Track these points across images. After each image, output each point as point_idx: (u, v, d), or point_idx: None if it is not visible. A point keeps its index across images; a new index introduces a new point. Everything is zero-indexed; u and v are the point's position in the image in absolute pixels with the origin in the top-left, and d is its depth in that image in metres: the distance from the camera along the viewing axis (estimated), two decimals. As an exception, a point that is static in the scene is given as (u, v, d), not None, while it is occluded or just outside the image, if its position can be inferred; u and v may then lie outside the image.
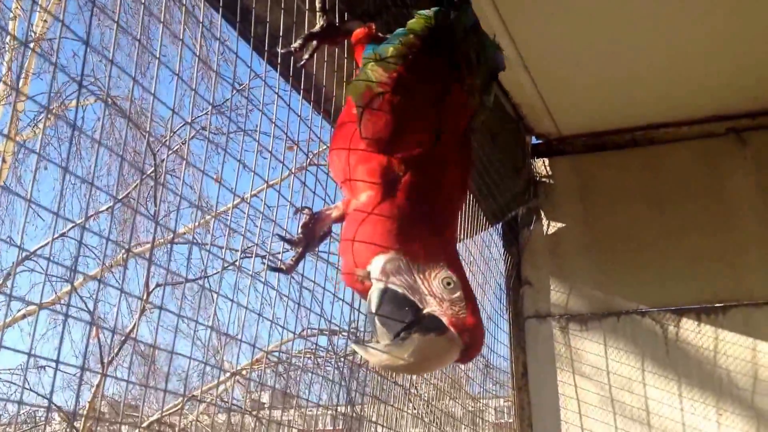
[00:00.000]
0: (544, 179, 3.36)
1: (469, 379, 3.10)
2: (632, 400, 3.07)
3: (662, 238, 3.15)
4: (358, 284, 1.26)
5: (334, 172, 1.43)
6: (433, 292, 1.20)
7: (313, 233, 1.55)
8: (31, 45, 5.71)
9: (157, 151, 5.18)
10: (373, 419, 2.35)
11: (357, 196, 1.32)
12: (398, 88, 1.29)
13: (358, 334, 2.11)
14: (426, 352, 1.17)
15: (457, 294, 1.20)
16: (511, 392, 3.27)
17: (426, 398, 2.79)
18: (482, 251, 3.02)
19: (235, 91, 1.80)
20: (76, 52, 6.18)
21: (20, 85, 5.76)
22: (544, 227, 3.32)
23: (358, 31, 1.51)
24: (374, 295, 1.21)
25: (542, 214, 3.33)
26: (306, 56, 1.60)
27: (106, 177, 6.97)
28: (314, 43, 1.58)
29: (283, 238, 1.57)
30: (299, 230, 1.55)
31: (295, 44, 1.57)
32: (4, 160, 5.52)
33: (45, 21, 5.83)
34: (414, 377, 2.76)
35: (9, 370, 6.66)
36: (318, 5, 1.63)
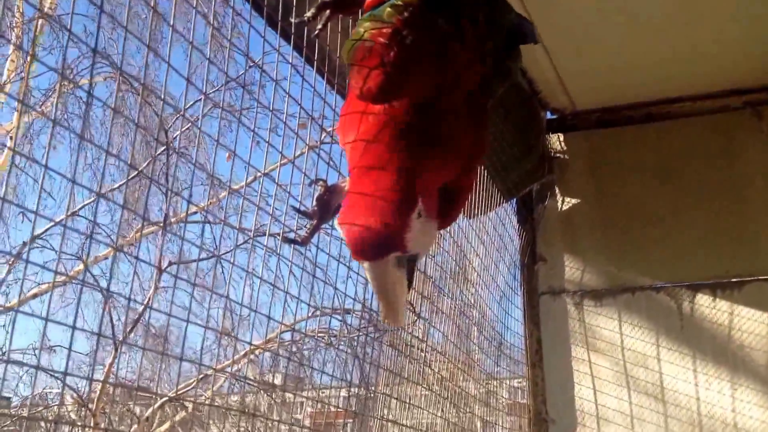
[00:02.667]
0: (558, 155, 3.33)
1: (483, 357, 3.10)
2: (647, 375, 3.06)
3: (677, 213, 3.12)
4: None
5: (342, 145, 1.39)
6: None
7: (328, 206, 1.54)
8: (40, 22, 5.70)
9: (170, 127, 5.17)
10: (387, 393, 2.35)
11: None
12: (391, 40, 1.24)
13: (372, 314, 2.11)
14: None
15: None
16: (525, 369, 3.27)
17: (440, 377, 2.78)
18: (497, 227, 3.01)
19: (249, 66, 1.78)
20: (86, 27, 6.17)
21: (26, 64, 5.75)
22: (559, 203, 3.29)
23: None
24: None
25: (556, 190, 3.30)
26: (319, 26, 1.57)
27: (115, 159, 6.98)
28: (327, 12, 1.54)
29: (298, 210, 1.57)
30: (314, 203, 1.54)
31: (308, 14, 1.54)
32: (11, 138, 5.52)
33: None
34: (427, 355, 2.75)
35: (20, 350, 6.71)
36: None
